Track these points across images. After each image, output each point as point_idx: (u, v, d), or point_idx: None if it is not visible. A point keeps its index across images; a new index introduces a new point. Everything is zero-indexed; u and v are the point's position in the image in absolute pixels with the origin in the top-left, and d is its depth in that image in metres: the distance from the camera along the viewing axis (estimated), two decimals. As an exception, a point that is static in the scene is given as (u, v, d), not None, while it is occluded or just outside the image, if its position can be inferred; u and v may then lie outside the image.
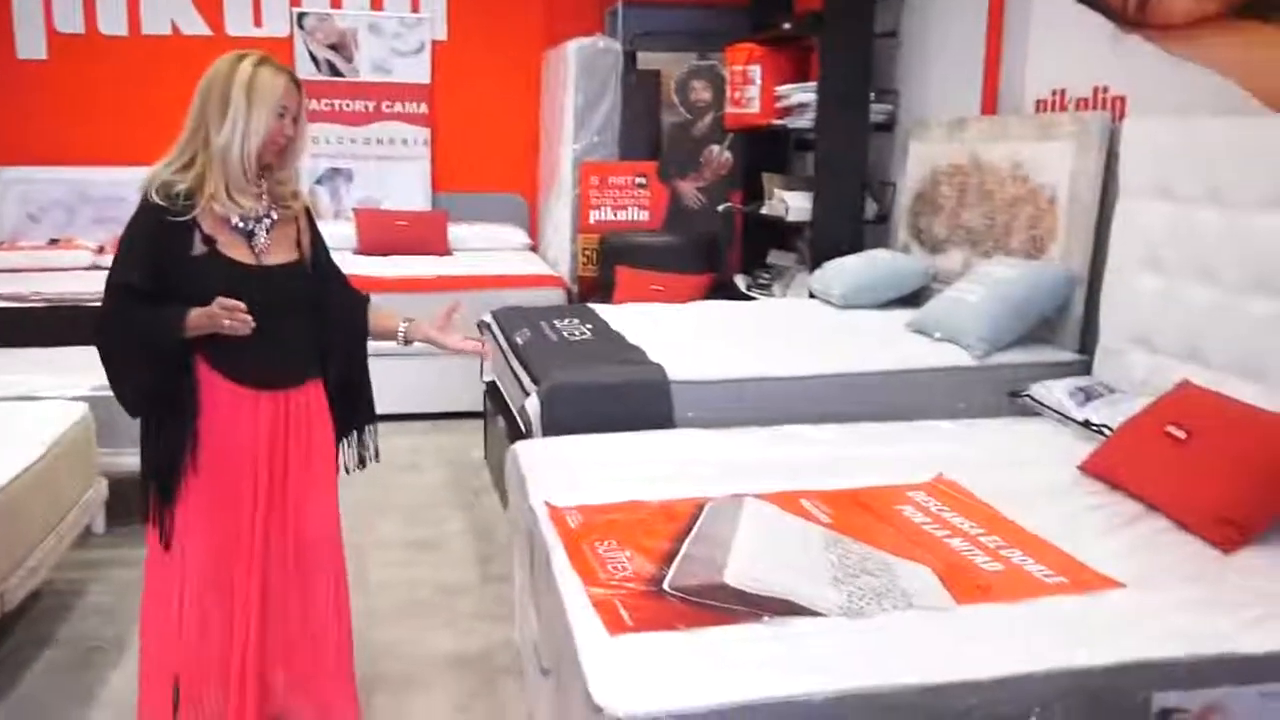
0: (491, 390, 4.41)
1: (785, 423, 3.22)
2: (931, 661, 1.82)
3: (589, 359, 3.55)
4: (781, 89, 5.34)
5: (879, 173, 5.18)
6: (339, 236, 5.77)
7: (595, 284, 6.09)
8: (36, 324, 4.86)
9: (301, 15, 6.74)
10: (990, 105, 4.37)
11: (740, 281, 5.82)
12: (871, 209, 5.12)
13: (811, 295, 4.79)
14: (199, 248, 2.21)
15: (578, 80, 6.20)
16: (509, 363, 3.86)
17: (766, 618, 1.95)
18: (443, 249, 6.49)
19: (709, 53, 6.22)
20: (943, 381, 3.56)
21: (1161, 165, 3.22)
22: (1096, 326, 3.52)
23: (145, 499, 2.32)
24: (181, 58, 6.30)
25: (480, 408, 4.90)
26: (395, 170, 7.00)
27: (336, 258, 2.53)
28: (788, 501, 2.52)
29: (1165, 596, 2.08)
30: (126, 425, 2.43)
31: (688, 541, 2.28)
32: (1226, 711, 1.87)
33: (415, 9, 6.94)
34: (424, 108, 6.99)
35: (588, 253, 6.23)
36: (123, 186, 5.94)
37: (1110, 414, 2.98)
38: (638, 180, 6.28)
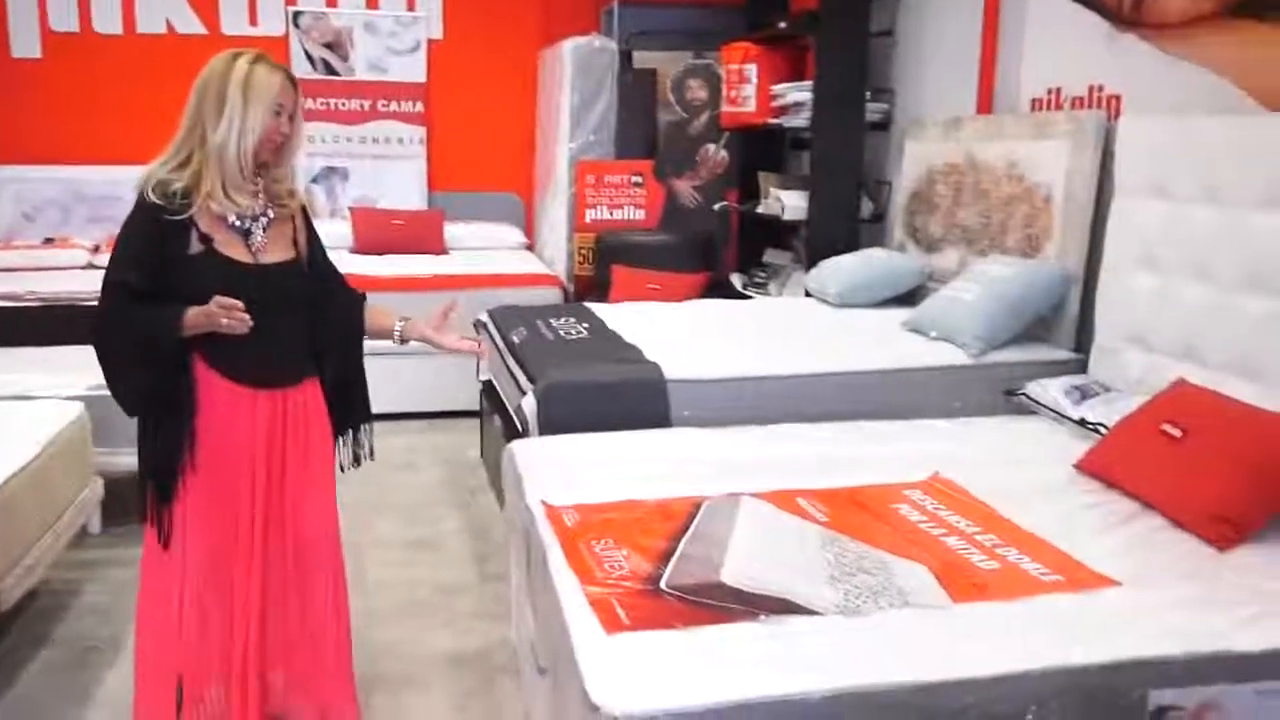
0: (488, 389, 4.41)
1: (781, 421, 3.22)
2: (928, 660, 1.82)
3: (585, 358, 3.55)
4: (777, 88, 5.34)
5: (875, 172, 5.18)
6: (335, 235, 5.76)
7: (591, 283, 6.09)
8: (32, 323, 4.86)
9: (297, 14, 6.74)
10: (986, 104, 4.37)
11: (736, 280, 5.82)
12: (867, 208, 5.12)
13: (807, 294, 4.79)
14: (196, 246, 2.21)
15: (574, 79, 6.20)
16: (505, 362, 3.86)
17: (763, 616, 1.95)
18: (439, 248, 6.48)
19: (705, 52, 6.22)
20: (938, 380, 3.56)
21: (1157, 164, 3.22)
22: (1092, 325, 3.52)
23: (142, 498, 2.32)
24: (177, 57, 6.29)
25: (476, 407, 4.90)
26: (391, 169, 7.00)
27: (332, 257, 2.53)
28: (784, 500, 2.53)
29: (1161, 594, 2.08)
30: (122, 425, 2.43)
31: (684, 540, 2.28)
32: (1222, 709, 1.87)
33: (411, 8, 6.93)
34: (420, 106, 6.98)
35: (584, 252, 6.23)
36: (118, 185, 5.94)
37: (1106, 412, 2.99)
38: (634, 179, 6.27)
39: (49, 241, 6.16)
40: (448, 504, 4.38)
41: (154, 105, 5.47)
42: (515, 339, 3.86)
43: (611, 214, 6.25)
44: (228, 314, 2.12)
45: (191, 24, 6.62)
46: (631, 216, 6.27)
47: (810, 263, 4.90)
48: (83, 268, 5.78)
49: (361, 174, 6.96)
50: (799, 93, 5.15)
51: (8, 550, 2.88)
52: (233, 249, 2.24)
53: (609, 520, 2.38)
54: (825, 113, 4.93)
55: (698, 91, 6.29)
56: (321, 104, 6.79)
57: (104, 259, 4.52)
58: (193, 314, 2.15)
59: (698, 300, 5.01)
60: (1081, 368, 3.55)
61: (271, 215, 2.30)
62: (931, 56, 4.80)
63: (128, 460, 2.72)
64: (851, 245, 4.89)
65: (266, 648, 2.41)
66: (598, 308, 4.44)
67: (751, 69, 5.46)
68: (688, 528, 2.35)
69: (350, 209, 6.74)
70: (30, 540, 3.03)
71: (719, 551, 2.22)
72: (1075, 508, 2.56)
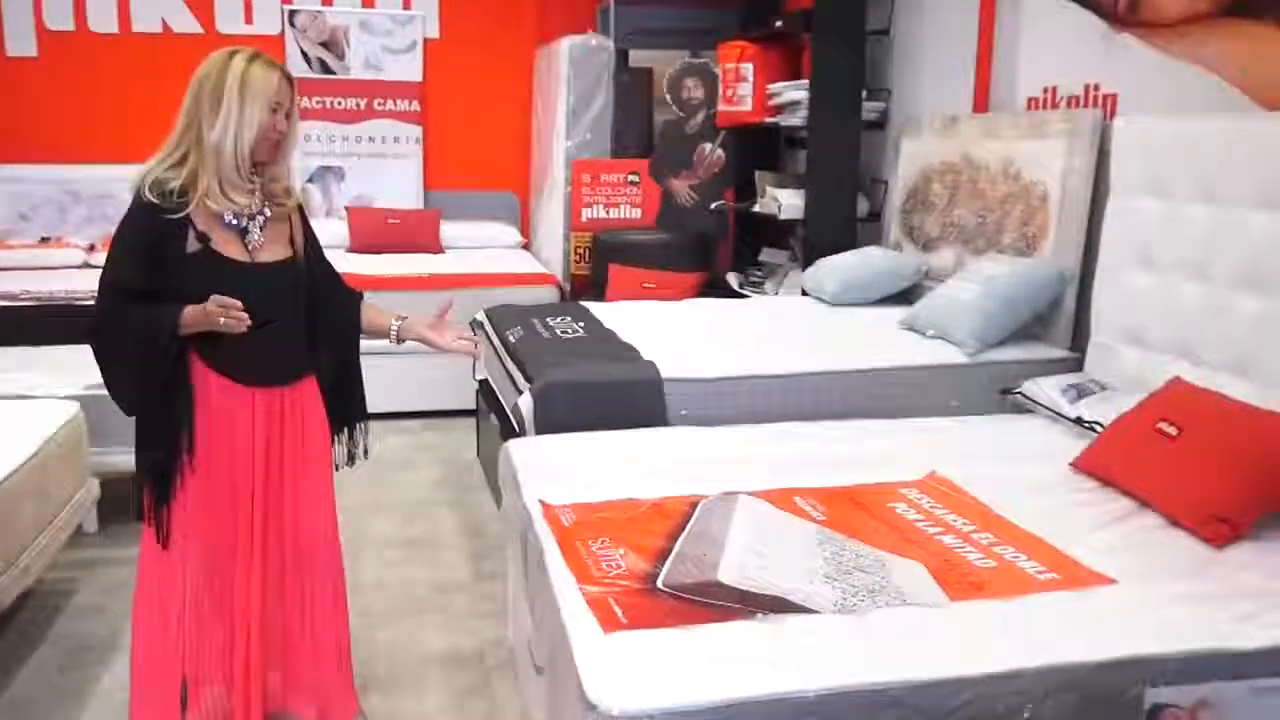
0: (484, 388, 4.41)
1: (778, 420, 3.22)
2: (925, 658, 1.83)
3: (582, 357, 3.55)
4: (773, 87, 5.34)
5: (871, 170, 5.18)
6: (331, 235, 5.76)
7: (588, 282, 6.09)
8: (27, 323, 4.85)
9: (293, 13, 6.72)
10: (982, 103, 4.37)
11: (733, 279, 5.83)
12: (864, 207, 5.13)
13: (804, 293, 4.79)
14: (193, 245, 2.21)
15: (570, 78, 6.20)
16: (502, 361, 3.86)
17: (760, 615, 1.95)
18: (435, 247, 6.48)
19: (701, 50, 6.22)
20: (935, 379, 3.57)
21: (1153, 163, 3.23)
22: (1088, 324, 3.53)
23: (140, 498, 2.32)
24: (172, 55, 6.27)
25: (473, 406, 4.90)
26: (387, 168, 6.99)
27: (329, 256, 2.53)
28: (781, 499, 2.53)
29: (1157, 592, 2.09)
30: (118, 424, 2.42)
31: (681, 539, 2.28)
32: (1218, 707, 1.88)
33: (407, 6, 6.93)
34: (416, 105, 6.97)
35: (580, 250, 6.22)
36: (114, 185, 5.94)
37: (1102, 411, 2.99)
38: (630, 178, 6.27)
39: (45, 241, 6.15)
40: (444, 503, 4.38)
41: (150, 104, 5.48)
42: (512, 338, 3.86)
43: (608, 213, 6.25)
44: (226, 313, 2.12)
45: (187, 23, 6.60)
46: (628, 215, 6.27)
47: (807, 262, 4.91)
48: (78, 267, 5.76)
49: (357, 173, 6.96)
50: (795, 91, 5.15)
51: (3, 550, 2.87)
52: (230, 248, 2.24)
53: (606, 519, 2.38)
54: (822, 112, 4.94)
55: (694, 90, 6.28)
56: (317, 103, 6.77)
57: (100, 258, 4.51)
58: (190, 313, 2.16)
59: (694, 299, 5.01)
60: (1078, 366, 3.56)
61: (268, 214, 2.30)
62: (928, 55, 4.80)
63: (123, 460, 2.72)
64: (848, 244, 4.89)
65: (267, 648, 2.41)
66: (594, 307, 4.44)
67: (748, 68, 5.46)
68: (685, 527, 2.35)
69: (346, 208, 6.73)
70: (26, 540, 3.02)
71: (716, 550, 2.22)
72: (1071, 506, 2.56)
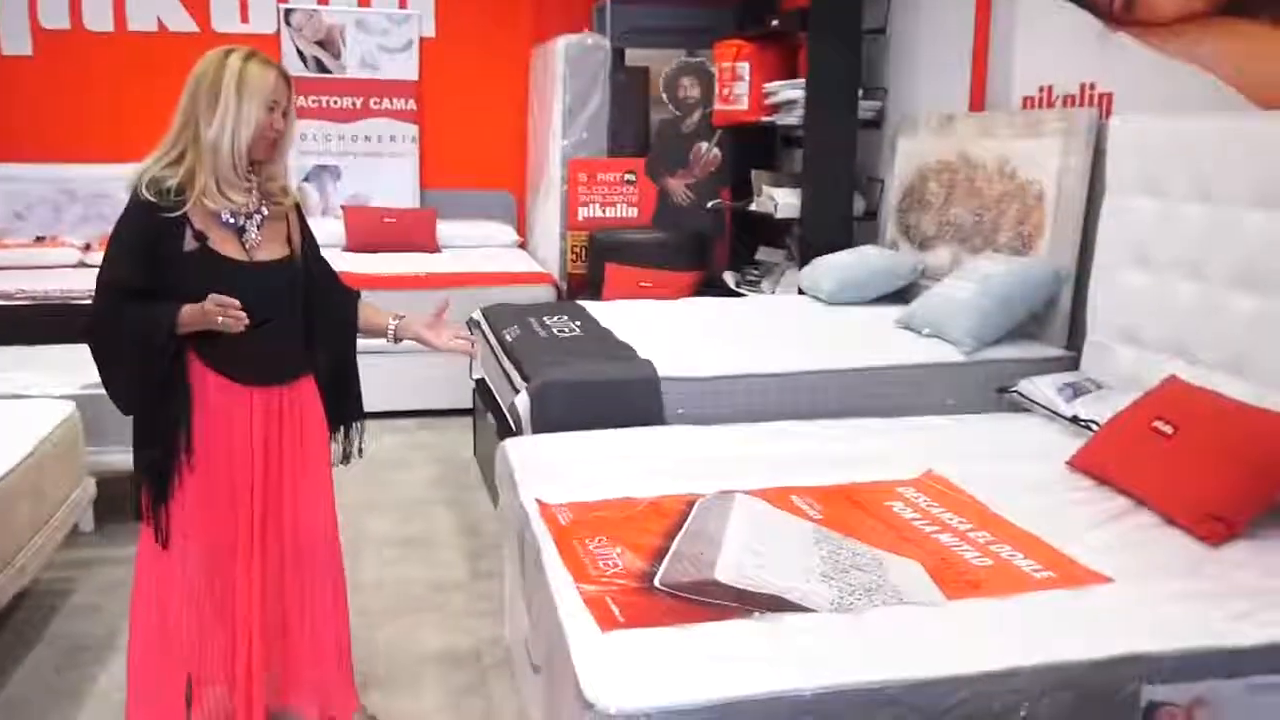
0: (481, 387, 4.41)
1: (775, 419, 3.23)
2: (921, 656, 1.83)
3: (578, 356, 3.55)
4: (770, 86, 5.34)
5: (867, 169, 5.19)
6: (327, 234, 5.73)
7: (584, 281, 6.09)
8: (22, 322, 4.84)
9: (289, 11, 6.72)
10: (978, 102, 4.38)
11: (729, 278, 5.83)
12: (860, 206, 5.13)
13: (800, 292, 4.79)
14: (190, 244, 2.20)
15: (566, 77, 6.20)
16: (498, 360, 3.86)
17: (757, 614, 1.95)
18: (431, 246, 6.47)
19: (697, 49, 6.22)
20: (931, 378, 3.57)
21: (1149, 162, 3.23)
22: (1084, 322, 3.54)
23: (138, 497, 2.31)
24: (168, 54, 6.26)
25: (469, 405, 4.89)
26: (383, 167, 6.98)
27: (325, 255, 2.53)
28: (778, 498, 2.53)
29: (1153, 590, 2.09)
30: (114, 424, 2.42)
31: (678, 538, 2.29)
32: (1214, 704, 1.88)
33: (403, 5, 6.92)
34: (412, 104, 6.97)
35: (576, 249, 6.23)
36: (110, 183, 5.93)
37: (1098, 409, 3.00)
38: (626, 177, 6.28)
39: (40, 240, 6.14)
40: (441, 502, 4.38)
41: (145, 103, 5.48)
42: (508, 337, 3.86)
43: (604, 212, 6.25)
44: (224, 312, 2.12)
45: (183, 21, 6.59)
46: (624, 214, 6.27)
47: (803, 260, 4.91)
48: (74, 266, 5.75)
49: (353, 172, 6.95)
50: (791, 90, 5.15)
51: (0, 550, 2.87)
52: (227, 246, 2.24)
53: (603, 518, 2.38)
54: (818, 110, 4.94)
55: (690, 89, 6.29)
56: (313, 102, 6.76)
57: (95, 257, 4.49)
58: (188, 312, 2.15)
59: (691, 298, 5.02)
60: (1074, 365, 3.56)
61: (266, 212, 2.30)
62: (924, 54, 4.80)
63: (119, 459, 2.72)
64: (844, 243, 4.89)
65: (268, 647, 2.41)
66: (591, 306, 4.44)
67: (744, 67, 5.46)
68: (681, 525, 2.35)
69: (342, 207, 6.72)
70: (22, 540, 3.02)
71: (713, 549, 2.22)
72: (1067, 504, 2.57)
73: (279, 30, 6.71)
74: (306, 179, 6.84)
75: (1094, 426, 2.93)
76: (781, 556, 2.20)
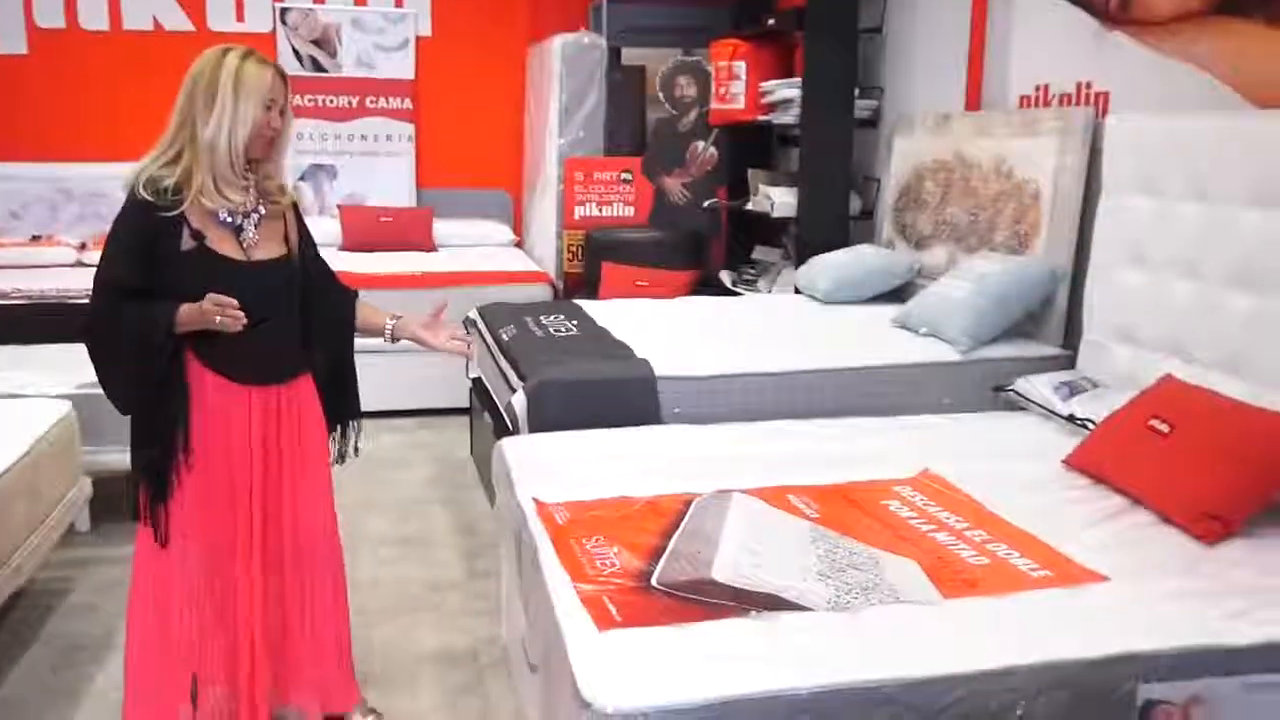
0: (477, 387, 4.41)
1: (771, 418, 3.23)
2: (918, 655, 1.83)
3: (575, 355, 3.55)
4: (766, 85, 5.34)
5: (864, 168, 5.19)
6: (323, 233, 5.72)
7: (581, 280, 6.09)
8: (19, 321, 4.84)
9: (284, 10, 6.71)
10: (974, 101, 4.38)
11: (726, 277, 5.83)
12: (856, 205, 5.13)
13: (797, 291, 4.80)
14: (188, 243, 2.20)
15: (562, 76, 6.20)
16: (495, 359, 3.86)
17: (754, 613, 1.95)
18: (428, 245, 6.47)
19: (693, 48, 6.22)
20: (928, 376, 3.58)
21: (1145, 161, 3.23)
22: (1080, 321, 3.54)
23: (135, 497, 2.31)
24: (164, 53, 6.26)
25: (466, 404, 4.89)
26: (379, 166, 6.98)
27: (322, 254, 2.53)
28: (775, 497, 2.53)
29: (1149, 589, 2.09)
30: (110, 423, 2.42)
31: (675, 537, 2.29)
32: (1211, 703, 1.89)
33: (399, 4, 6.92)
34: (408, 103, 6.96)
35: (573, 249, 6.23)
36: (105, 183, 5.92)
37: (1094, 408, 3.00)
38: (623, 176, 6.28)
39: (36, 239, 6.13)
40: (438, 501, 4.38)
41: (141, 102, 5.48)
42: (505, 336, 3.86)
43: (601, 211, 6.25)
44: (222, 311, 2.12)
45: (179, 20, 6.58)
46: (621, 213, 6.27)
47: (800, 259, 4.91)
48: (70, 265, 5.74)
49: (350, 171, 6.94)
50: (788, 89, 5.15)
51: (-4, 549, 2.87)
52: (225, 246, 2.24)
53: (600, 517, 2.38)
54: (814, 109, 4.94)
55: (686, 88, 6.29)
56: (309, 101, 6.76)
57: (91, 257, 4.47)
58: (186, 311, 2.15)
59: (687, 297, 5.01)
60: (1070, 364, 3.57)
61: (263, 211, 2.30)
62: (920, 53, 4.81)
63: (116, 459, 2.71)
64: (841, 242, 4.90)
65: (269, 646, 2.41)
66: (587, 305, 4.44)
67: (740, 66, 5.46)
68: (678, 525, 2.35)
69: (339, 206, 6.72)
70: (18, 539, 3.01)
71: (710, 548, 2.23)
72: (1064, 503, 2.57)
73: (275, 29, 6.70)
74: (303, 178, 6.84)
75: (1090, 425, 2.93)
76: (778, 555, 2.20)
